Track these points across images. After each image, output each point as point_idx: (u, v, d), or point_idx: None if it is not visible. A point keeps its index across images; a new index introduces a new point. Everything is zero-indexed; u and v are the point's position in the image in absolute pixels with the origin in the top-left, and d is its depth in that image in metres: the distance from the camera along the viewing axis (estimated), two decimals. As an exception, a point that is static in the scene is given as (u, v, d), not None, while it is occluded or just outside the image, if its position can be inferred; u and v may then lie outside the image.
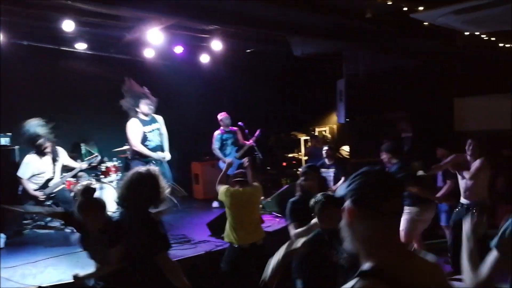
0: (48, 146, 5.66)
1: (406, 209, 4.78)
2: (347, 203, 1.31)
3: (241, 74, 9.17)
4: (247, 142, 7.49)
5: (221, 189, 4.50)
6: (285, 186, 7.48)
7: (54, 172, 5.85)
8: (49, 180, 5.80)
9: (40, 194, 5.66)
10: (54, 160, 5.83)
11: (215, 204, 7.63)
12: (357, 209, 1.28)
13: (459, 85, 8.57)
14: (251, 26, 5.52)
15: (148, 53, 8.09)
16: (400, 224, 1.33)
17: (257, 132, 7.36)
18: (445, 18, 3.51)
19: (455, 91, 8.72)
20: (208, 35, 7.55)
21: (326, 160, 6.48)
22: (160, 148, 6.14)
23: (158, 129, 6.26)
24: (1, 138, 6.36)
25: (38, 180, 5.72)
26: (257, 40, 7.50)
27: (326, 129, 9.65)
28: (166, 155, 6.27)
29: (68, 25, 6.23)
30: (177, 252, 4.83)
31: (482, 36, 5.45)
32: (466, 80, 8.38)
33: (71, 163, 6.17)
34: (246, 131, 7.48)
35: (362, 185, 1.30)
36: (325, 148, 6.65)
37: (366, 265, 1.24)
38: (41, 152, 5.65)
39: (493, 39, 5.76)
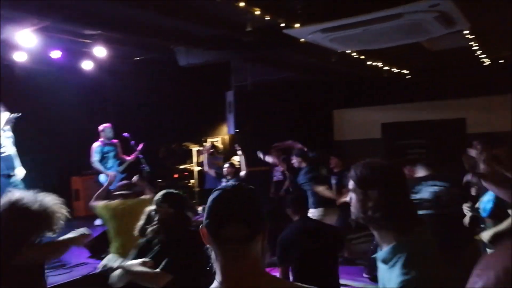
0: None
1: (310, 211, 5.03)
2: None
3: (128, 83, 8.75)
4: (128, 157, 7.14)
5: (99, 205, 4.28)
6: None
7: None
8: None
9: None
10: None
11: (98, 221, 7.09)
12: (205, 231, 1.24)
13: (338, 97, 9.33)
14: (132, 32, 5.28)
15: (19, 57, 7.25)
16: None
17: (140, 146, 7.05)
18: (314, 35, 3.74)
19: (335, 103, 9.46)
20: (90, 40, 7.06)
21: (228, 177, 6.68)
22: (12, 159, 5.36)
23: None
24: None
25: None
26: (143, 48, 7.22)
27: (218, 140, 9.68)
28: (20, 172, 5.64)
29: None
30: (49, 279, 4.32)
31: (353, 54, 5.97)
32: (344, 93, 9.16)
33: None
34: (132, 142, 7.11)
35: (208, 206, 1.26)
36: (226, 165, 6.83)
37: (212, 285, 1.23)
38: None
39: (362, 57, 6.36)
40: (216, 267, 1.23)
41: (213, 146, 8.51)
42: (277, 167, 7.66)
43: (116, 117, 8.06)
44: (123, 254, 4.01)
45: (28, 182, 7.58)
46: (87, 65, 8.02)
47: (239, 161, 8.80)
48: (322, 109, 9.31)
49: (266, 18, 4.15)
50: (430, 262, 1.52)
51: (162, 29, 5.28)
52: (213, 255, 1.24)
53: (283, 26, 4.18)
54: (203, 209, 5.54)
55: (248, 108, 7.60)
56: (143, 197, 4.50)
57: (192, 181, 9.26)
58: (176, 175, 9.30)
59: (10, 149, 5.38)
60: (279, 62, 7.29)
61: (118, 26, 5.83)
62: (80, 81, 8.26)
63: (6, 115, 5.30)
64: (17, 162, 5.65)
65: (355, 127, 9.21)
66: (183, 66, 6.44)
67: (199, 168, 9.23)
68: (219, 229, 1.19)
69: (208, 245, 1.25)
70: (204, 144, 9.11)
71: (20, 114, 5.50)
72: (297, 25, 4.12)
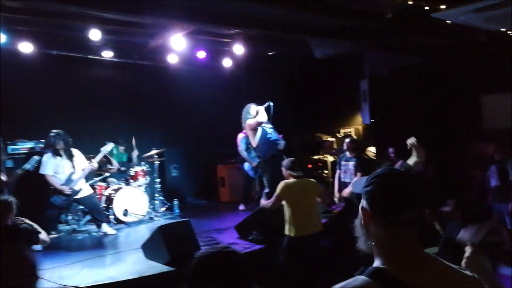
0: (61, 147, 5.96)
1: None
2: (363, 203, 1.29)
3: (263, 77, 9.22)
4: None
5: (279, 186, 4.60)
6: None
7: (73, 167, 6.06)
8: (71, 174, 6.02)
9: (66, 188, 5.91)
10: (70, 157, 6.04)
11: (241, 207, 7.69)
12: (373, 212, 1.26)
13: (485, 82, 8.35)
14: (271, 29, 5.56)
15: (171, 59, 8.24)
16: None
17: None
18: (466, 16, 3.45)
19: (482, 88, 8.49)
20: (230, 39, 7.64)
21: (347, 153, 6.44)
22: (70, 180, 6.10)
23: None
24: (36, 145, 6.64)
25: (61, 176, 5.96)
26: (278, 43, 7.51)
27: (351, 130, 9.57)
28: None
29: (95, 34, 6.41)
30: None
31: (509, 32, 5.31)
32: (492, 77, 8.16)
33: (85, 164, 6.24)
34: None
35: (379, 189, 1.26)
36: (346, 140, 6.62)
37: (373, 265, 1.25)
38: (56, 152, 5.95)
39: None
40: (380, 248, 1.26)
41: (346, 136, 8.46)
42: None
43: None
44: (304, 232, 4.48)
45: (181, 170, 8.65)
46: (227, 63, 8.72)
47: (374, 153, 8.58)
48: (467, 95, 8.46)
49: (408, 3, 3.98)
50: None
51: (299, 23, 5.44)
52: (372, 236, 1.26)
53: (427, 10, 3.96)
54: (339, 200, 5.59)
55: (384, 97, 7.34)
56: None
57: (326, 171, 9.35)
58: (309, 166, 9.49)
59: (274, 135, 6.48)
60: (418, 48, 6.88)
61: (254, 23, 6.19)
62: (221, 78, 9.02)
63: (262, 108, 6.36)
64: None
65: (508, 114, 8.15)
66: (319, 57, 6.54)
67: (332, 159, 9.26)
68: (397, 214, 1.22)
69: (365, 226, 1.28)
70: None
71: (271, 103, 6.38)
72: (442, 6, 3.86)
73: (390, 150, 7.36)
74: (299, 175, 4.66)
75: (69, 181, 5.99)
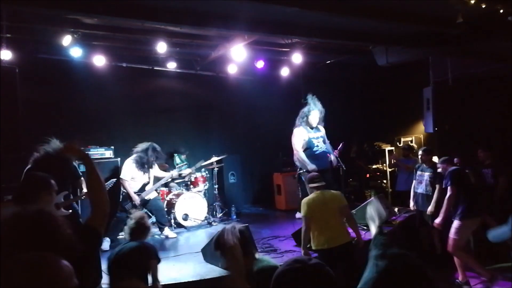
0: (146, 160, 6.26)
1: None
2: None
3: (321, 85, 9.18)
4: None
5: (302, 208, 4.64)
6: (370, 199, 7.28)
7: (149, 178, 6.38)
8: (145, 185, 6.34)
9: (137, 198, 6.22)
10: (149, 169, 6.36)
11: (298, 215, 7.65)
12: None
13: None
14: (333, 38, 5.54)
15: (231, 69, 8.47)
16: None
17: (340, 146, 7.26)
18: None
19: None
20: (288, 48, 7.72)
21: (424, 165, 6.29)
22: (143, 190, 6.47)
23: None
24: (106, 151, 7.07)
25: (135, 184, 6.29)
26: (338, 51, 7.46)
27: (411, 139, 9.25)
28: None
29: (161, 47, 6.79)
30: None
31: None
32: None
33: (161, 173, 6.65)
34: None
35: None
36: (420, 151, 6.46)
37: None
38: (139, 162, 6.26)
39: None
40: None
41: (408, 147, 8.18)
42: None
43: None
44: (329, 245, 4.37)
45: (238, 177, 8.79)
46: (285, 72, 8.81)
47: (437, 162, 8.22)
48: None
49: (482, 7, 3.82)
50: None
51: (363, 32, 5.38)
52: None
53: (502, 13, 3.78)
54: (399, 211, 5.45)
55: (448, 105, 7.03)
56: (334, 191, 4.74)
57: (384, 181, 9.08)
58: (368, 175, 9.27)
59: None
60: (489, 54, 6.53)
61: (316, 32, 6.19)
62: (280, 87, 9.09)
63: (314, 113, 6.54)
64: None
65: None
66: (382, 65, 6.40)
67: (391, 169, 9.00)
68: None
69: None
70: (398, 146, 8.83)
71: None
72: (520, 9, 3.66)
73: (455, 160, 7.08)
74: (319, 186, 4.61)
75: (142, 190, 6.33)
